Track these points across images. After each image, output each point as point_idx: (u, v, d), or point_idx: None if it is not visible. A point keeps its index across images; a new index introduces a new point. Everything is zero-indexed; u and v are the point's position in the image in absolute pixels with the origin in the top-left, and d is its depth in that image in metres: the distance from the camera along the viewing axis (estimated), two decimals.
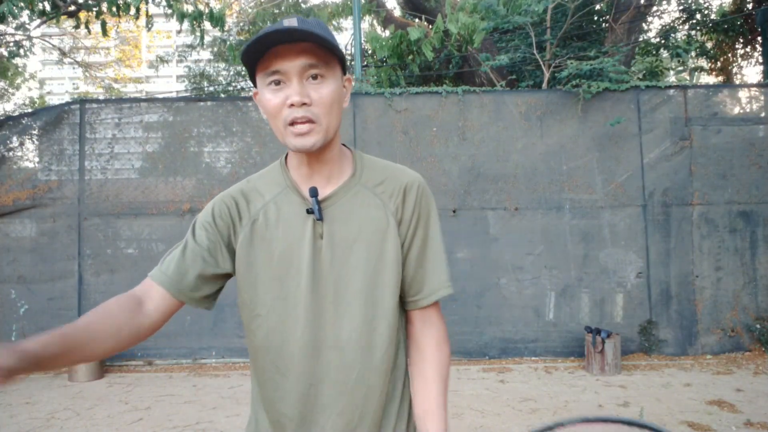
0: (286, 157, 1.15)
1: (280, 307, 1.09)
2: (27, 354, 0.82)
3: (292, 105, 0.99)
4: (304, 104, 0.99)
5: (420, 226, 1.12)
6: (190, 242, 1.11)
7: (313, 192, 1.06)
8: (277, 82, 1.00)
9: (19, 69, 14.40)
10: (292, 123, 1.00)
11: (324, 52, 1.00)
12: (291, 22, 0.97)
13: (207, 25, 6.03)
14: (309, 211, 1.07)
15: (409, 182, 1.12)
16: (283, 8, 11.31)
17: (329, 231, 1.07)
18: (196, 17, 5.77)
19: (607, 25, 8.41)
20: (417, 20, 8.92)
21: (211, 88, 12.98)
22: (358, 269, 1.08)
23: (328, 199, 1.09)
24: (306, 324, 1.07)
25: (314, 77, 1.00)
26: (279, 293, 1.09)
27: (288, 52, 0.98)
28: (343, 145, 1.15)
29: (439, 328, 1.15)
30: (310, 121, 1.00)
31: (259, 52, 0.99)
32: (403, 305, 1.15)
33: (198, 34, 6.21)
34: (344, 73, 1.08)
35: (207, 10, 5.90)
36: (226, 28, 9.79)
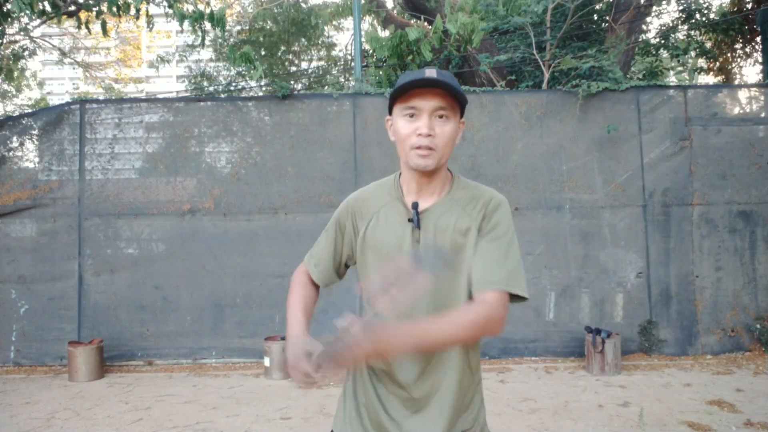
0: (399, 175, 1.44)
1: None
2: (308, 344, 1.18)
3: (420, 134, 1.28)
4: (430, 135, 1.27)
5: (494, 231, 1.33)
6: (332, 240, 1.47)
7: (415, 206, 1.35)
8: (411, 115, 1.29)
9: (22, 70, 14.38)
10: (417, 147, 1.28)
11: (451, 98, 1.28)
12: (431, 72, 1.26)
13: (207, 25, 6.02)
14: (410, 220, 1.35)
15: (490, 197, 1.38)
16: (283, 8, 11.32)
17: (424, 237, 1.34)
18: (197, 18, 5.75)
19: (606, 25, 8.41)
20: (417, 20, 8.92)
21: (211, 88, 12.97)
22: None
23: (426, 211, 1.36)
24: None
25: (441, 116, 1.29)
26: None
27: (425, 94, 1.27)
28: (448, 170, 1.42)
29: (487, 306, 1.24)
30: (430, 148, 1.28)
31: (404, 91, 1.28)
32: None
33: (199, 34, 6.20)
34: (461, 118, 1.35)
35: (207, 11, 5.88)
36: (227, 28, 9.79)
